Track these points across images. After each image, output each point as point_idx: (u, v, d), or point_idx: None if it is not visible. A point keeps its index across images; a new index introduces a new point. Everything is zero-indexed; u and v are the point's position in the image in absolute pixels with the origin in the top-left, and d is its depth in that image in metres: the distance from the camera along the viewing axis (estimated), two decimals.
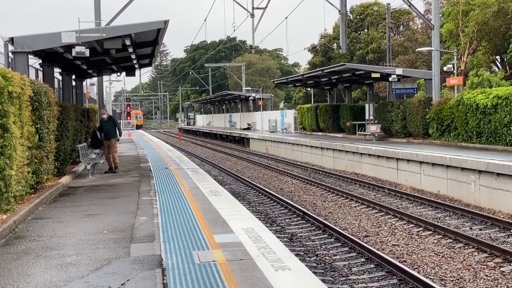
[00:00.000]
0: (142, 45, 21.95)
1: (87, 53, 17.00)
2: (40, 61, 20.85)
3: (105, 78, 57.66)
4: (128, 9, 30.04)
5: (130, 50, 20.26)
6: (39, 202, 12.79)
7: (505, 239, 13.45)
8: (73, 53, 17.03)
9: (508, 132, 22.64)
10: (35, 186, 13.92)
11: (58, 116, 17.03)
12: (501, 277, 10.51)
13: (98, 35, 17.13)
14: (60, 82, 25.71)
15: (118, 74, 33.17)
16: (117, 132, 20.26)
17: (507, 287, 9.98)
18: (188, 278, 6.94)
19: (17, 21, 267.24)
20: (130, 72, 31.07)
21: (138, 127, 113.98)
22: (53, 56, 20.13)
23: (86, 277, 7.21)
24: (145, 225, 10.50)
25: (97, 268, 7.64)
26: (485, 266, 11.25)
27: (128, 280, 7.04)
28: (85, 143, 21.41)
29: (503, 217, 15.67)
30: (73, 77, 26.99)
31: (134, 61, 24.69)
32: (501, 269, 11.01)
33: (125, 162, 23.84)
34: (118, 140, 20.37)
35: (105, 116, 20.23)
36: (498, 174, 16.99)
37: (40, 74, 21.44)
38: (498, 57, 52.12)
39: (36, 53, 18.78)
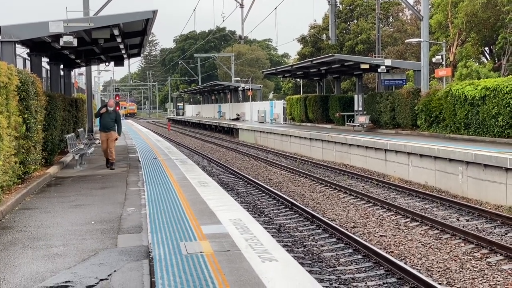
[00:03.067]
0: (131, 35, 21.83)
1: (75, 42, 16.90)
2: (28, 51, 20.72)
3: (94, 67, 57.32)
4: None
5: (119, 40, 20.15)
6: (26, 192, 12.75)
7: (492, 230, 13.54)
8: (61, 43, 16.92)
9: (496, 123, 22.75)
10: (23, 176, 13.86)
11: (45, 106, 16.94)
12: (487, 268, 10.58)
13: (86, 24, 17.04)
14: (48, 71, 25.58)
15: (107, 64, 33.04)
16: (116, 127, 18.69)
17: (493, 277, 10.05)
18: (175, 269, 6.94)
19: (4, 10, 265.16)
20: (119, 62, 30.90)
21: (132, 114, 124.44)
22: (41, 46, 20.00)
23: (73, 268, 7.20)
24: (133, 216, 10.49)
25: (84, 259, 7.63)
26: (471, 257, 11.32)
27: (115, 271, 7.04)
28: (73, 133, 21.31)
29: (490, 208, 15.76)
30: (61, 66, 26.84)
31: (123, 51, 24.55)
32: (488, 260, 11.09)
33: None
34: (116, 139, 18.74)
35: (111, 109, 18.49)
36: (486, 166, 17.08)
37: (28, 63, 21.30)
38: (486, 48, 52.28)
39: (24, 43, 18.65)
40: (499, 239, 12.49)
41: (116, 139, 18.68)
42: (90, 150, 20.47)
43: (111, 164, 18.45)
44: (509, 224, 13.86)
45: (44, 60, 23.73)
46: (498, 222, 14.22)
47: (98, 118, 19.79)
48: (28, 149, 14.07)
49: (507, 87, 21.97)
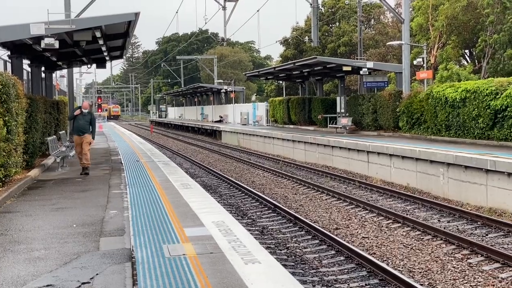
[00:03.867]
0: (113, 37, 21.76)
1: (57, 45, 16.80)
2: (9, 53, 20.56)
3: (76, 70, 57.13)
4: (99, 0, 29.74)
5: (101, 42, 20.07)
6: (7, 195, 12.65)
7: (473, 231, 13.65)
8: (42, 45, 16.81)
9: (476, 125, 22.94)
10: (3, 179, 13.74)
11: (26, 109, 16.82)
12: (468, 269, 10.66)
13: (67, 26, 16.94)
14: (29, 74, 25.39)
15: (89, 66, 32.89)
16: (91, 130, 17.66)
17: (474, 278, 10.13)
18: (158, 271, 6.93)
19: None
20: (101, 64, 30.80)
21: (116, 117, 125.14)
22: (22, 48, 19.85)
23: (54, 272, 7.16)
24: (115, 218, 10.45)
25: (66, 262, 7.59)
26: (452, 258, 11.40)
27: (97, 274, 7.01)
28: (54, 136, 21.18)
29: (470, 210, 15.90)
30: (43, 69, 26.68)
31: (105, 53, 24.47)
32: (469, 260, 11.18)
33: (96, 155, 23.68)
34: (91, 143, 17.77)
35: (86, 111, 17.51)
36: (466, 167, 17.22)
37: (9, 65, 21.14)
38: (467, 51, 52.74)
39: (5, 45, 18.52)
40: (479, 240, 12.60)
41: (91, 144, 17.75)
42: (71, 152, 20.33)
43: (84, 168, 17.38)
44: (489, 225, 13.99)
45: (25, 62, 23.56)
46: (478, 223, 14.35)
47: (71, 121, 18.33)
48: (9, 152, 13.95)
49: (487, 89, 22.18)
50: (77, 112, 17.53)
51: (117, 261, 7.60)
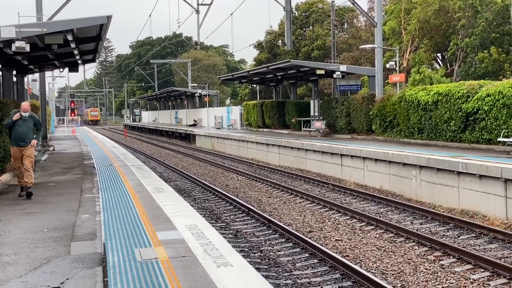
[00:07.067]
0: (85, 40, 21.57)
1: (28, 48, 16.60)
2: None
3: (48, 74, 56.52)
4: (72, 3, 29.53)
5: (73, 45, 19.89)
6: None
7: (445, 233, 13.76)
8: (13, 48, 16.61)
9: (448, 128, 23.16)
10: None
11: None
12: (440, 270, 10.74)
13: (38, 30, 16.75)
14: (0, 78, 25.10)
15: (61, 70, 32.56)
16: (34, 134, 13.91)
17: (447, 280, 10.21)
18: (129, 275, 6.86)
19: None
20: (74, 68, 30.52)
21: (95, 122, 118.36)
22: None
23: (24, 277, 7.07)
24: (87, 222, 10.36)
25: (36, 267, 7.49)
26: (425, 260, 11.48)
27: (67, 279, 6.93)
28: None
29: (443, 211, 16.03)
30: (14, 72, 26.35)
31: (77, 57, 24.25)
32: (441, 262, 11.26)
33: (68, 159, 23.47)
34: (34, 144, 13.92)
35: (26, 114, 13.68)
36: (438, 169, 17.36)
37: None
38: (439, 54, 53.32)
39: None
40: (451, 242, 12.71)
41: (34, 144, 13.94)
42: (43, 157, 20.15)
43: (25, 188, 13.62)
44: (461, 227, 14.12)
45: None
46: (450, 225, 14.47)
47: (8, 129, 14.06)
48: None
49: (458, 92, 22.42)
50: (16, 116, 13.63)
51: (88, 265, 7.53)
